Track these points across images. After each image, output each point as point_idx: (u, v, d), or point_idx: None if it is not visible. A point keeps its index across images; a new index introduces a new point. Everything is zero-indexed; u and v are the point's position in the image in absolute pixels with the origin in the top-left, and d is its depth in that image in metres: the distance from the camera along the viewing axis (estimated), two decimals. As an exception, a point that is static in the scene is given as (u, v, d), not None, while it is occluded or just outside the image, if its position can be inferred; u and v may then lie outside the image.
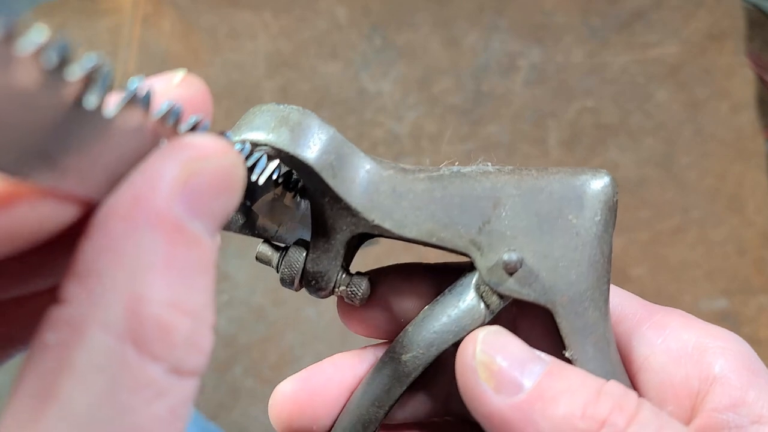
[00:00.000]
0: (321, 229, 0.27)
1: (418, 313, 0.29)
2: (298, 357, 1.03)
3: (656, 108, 1.14)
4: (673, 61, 1.17)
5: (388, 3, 1.25)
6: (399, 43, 1.23)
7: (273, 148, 0.25)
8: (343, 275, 0.28)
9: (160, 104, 0.18)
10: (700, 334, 0.27)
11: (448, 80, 1.19)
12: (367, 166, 0.27)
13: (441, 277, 0.29)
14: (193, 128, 0.19)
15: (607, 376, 0.26)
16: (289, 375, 0.30)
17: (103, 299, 0.16)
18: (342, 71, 1.21)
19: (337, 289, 0.28)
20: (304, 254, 0.28)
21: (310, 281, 0.28)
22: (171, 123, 0.18)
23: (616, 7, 1.21)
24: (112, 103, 0.16)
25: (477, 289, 0.27)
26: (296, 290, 0.29)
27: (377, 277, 0.29)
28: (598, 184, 0.27)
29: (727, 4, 1.18)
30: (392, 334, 0.30)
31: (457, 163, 0.28)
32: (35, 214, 0.17)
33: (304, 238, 0.29)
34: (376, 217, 0.27)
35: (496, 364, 0.24)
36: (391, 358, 0.28)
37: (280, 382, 0.30)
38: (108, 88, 0.16)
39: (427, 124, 1.17)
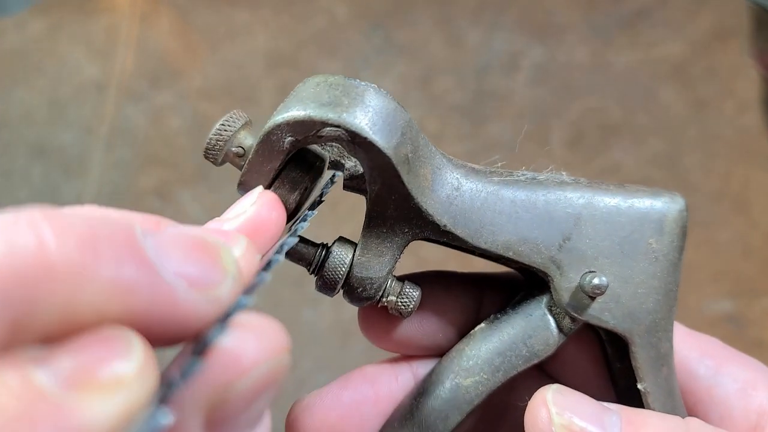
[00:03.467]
0: (377, 229, 0.24)
1: (460, 324, 0.26)
2: (296, 359, 1.02)
3: (660, 108, 1.13)
4: (677, 60, 1.16)
5: (389, 1, 1.24)
6: (400, 41, 1.21)
7: (347, 130, 0.22)
8: (393, 283, 0.25)
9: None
10: (746, 368, 0.27)
11: (450, 79, 1.18)
12: (439, 163, 0.24)
13: (481, 287, 0.27)
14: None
15: (674, 409, 0.25)
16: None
17: None
18: (342, 70, 1.20)
19: (384, 299, 0.25)
20: (350, 256, 0.24)
21: (356, 288, 0.25)
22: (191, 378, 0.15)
23: (620, 6, 1.20)
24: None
25: (549, 309, 0.25)
26: (333, 296, 0.25)
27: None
28: (677, 207, 0.25)
29: (731, 3, 1.17)
30: (426, 351, 0.27)
31: (523, 168, 0.26)
32: None
33: (345, 237, 0.25)
34: (448, 222, 0.24)
35: (577, 426, 0.23)
36: (444, 382, 0.25)
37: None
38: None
39: (429, 123, 1.15)
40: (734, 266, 1.05)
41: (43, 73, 1.27)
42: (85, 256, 0.14)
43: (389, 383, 0.27)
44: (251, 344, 0.15)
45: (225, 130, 0.24)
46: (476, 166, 0.25)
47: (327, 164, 0.25)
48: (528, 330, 0.25)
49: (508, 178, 0.25)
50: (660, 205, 0.25)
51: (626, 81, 1.15)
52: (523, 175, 0.25)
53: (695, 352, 0.27)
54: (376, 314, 0.26)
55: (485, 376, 0.25)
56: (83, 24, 1.30)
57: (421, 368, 0.27)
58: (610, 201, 0.25)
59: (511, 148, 1.13)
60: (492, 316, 0.26)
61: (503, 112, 1.15)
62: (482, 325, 0.26)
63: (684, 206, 0.25)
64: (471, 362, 0.25)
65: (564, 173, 0.26)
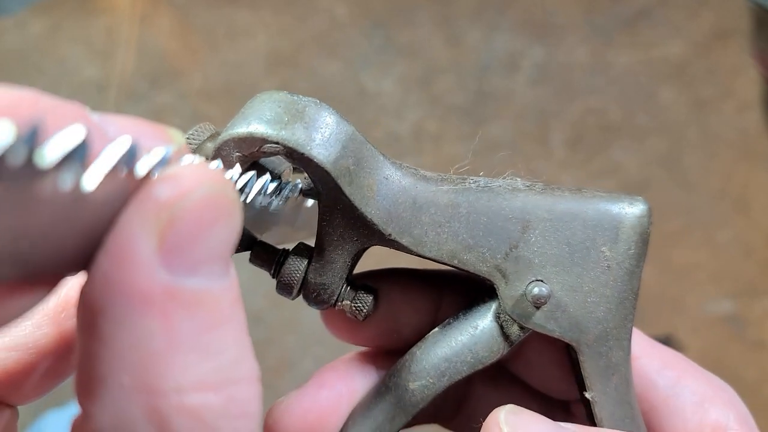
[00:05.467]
0: (328, 237, 0.25)
1: (416, 325, 0.27)
2: (297, 360, 1.02)
3: (661, 108, 1.13)
4: (677, 60, 1.16)
5: (389, 1, 1.24)
6: (400, 41, 1.21)
7: (285, 146, 0.22)
8: (347, 288, 0.26)
9: (144, 158, 0.15)
10: (706, 383, 0.27)
11: (450, 79, 1.18)
12: (387, 173, 0.24)
13: (440, 287, 0.28)
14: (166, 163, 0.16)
15: (625, 420, 0.25)
16: (289, 378, 0.27)
17: (116, 407, 0.14)
18: (342, 70, 1.20)
19: (339, 303, 0.26)
20: (306, 262, 0.25)
21: (311, 293, 0.26)
22: (148, 173, 0.15)
23: (620, 6, 1.20)
24: (92, 173, 0.14)
25: (497, 318, 0.25)
26: (293, 299, 0.26)
27: (372, 284, 0.27)
28: (634, 213, 0.24)
29: (731, 3, 1.17)
30: (386, 344, 0.28)
31: (482, 174, 0.26)
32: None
33: (305, 243, 0.26)
34: (393, 231, 0.24)
35: None
36: (395, 383, 0.26)
37: (279, 385, 0.27)
38: (85, 162, 0.13)
39: (428, 124, 1.15)
40: (734, 266, 1.05)
41: (43, 73, 1.27)
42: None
43: (362, 379, 0.27)
44: (187, 170, 0.15)
45: (190, 143, 0.25)
46: (428, 174, 0.26)
47: (287, 172, 0.26)
48: (474, 337, 0.25)
49: (458, 186, 0.25)
50: (615, 211, 0.25)
51: (626, 81, 1.15)
52: (475, 182, 0.25)
53: (656, 362, 0.27)
54: (337, 313, 0.27)
55: (431, 381, 0.25)
56: (83, 24, 1.30)
57: (386, 364, 0.28)
58: (561, 207, 0.25)
59: (512, 148, 1.13)
60: (447, 320, 0.27)
61: (503, 113, 1.15)
62: (436, 329, 0.27)
63: (644, 212, 0.25)
64: (419, 366, 0.26)
65: (519, 179, 0.26)
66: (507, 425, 0.23)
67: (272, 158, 0.25)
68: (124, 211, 0.15)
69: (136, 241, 0.14)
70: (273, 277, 0.26)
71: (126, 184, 0.15)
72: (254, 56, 1.22)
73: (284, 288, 0.26)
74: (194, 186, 0.15)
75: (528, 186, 0.25)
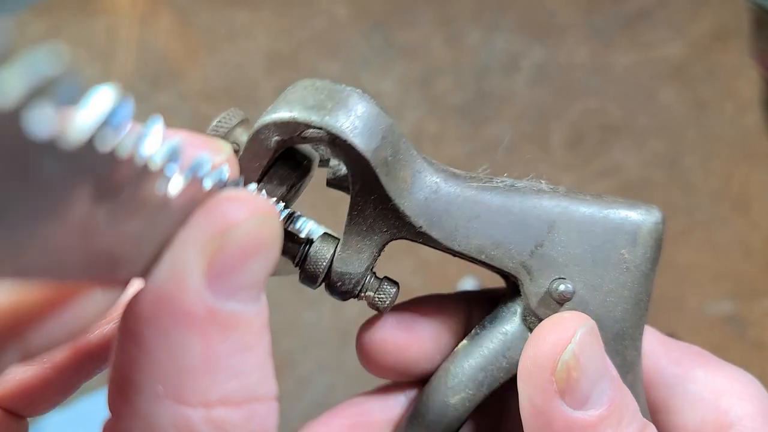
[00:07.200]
0: (358, 227, 0.25)
1: (454, 340, 0.27)
2: (296, 362, 1.02)
3: (661, 108, 1.13)
4: (677, 61, 1.16)
5: (389, 1, 1.24)
6: (399, 42, 1.21)
7: (328, 132, 0.23)
8: (372, 279, 0.26)
9: (207, 170, 0.16)
10: (717, 376, 0.26)
11: (450, 80, 1.18)
12: (420, 167, 0.25)
13: (469, 306, 0.28)
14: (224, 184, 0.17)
15: None
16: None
17: (148, 413, 0.15)
18: (342, 71, 1.20)
19: (362, 294, 0.26)
20: (333, 251, 0.25)
21: (336, 282, 0.26)
22: (209, 187, 0.16)
23: (620, 6, 1.20)
24: (177, 180, 0.15)
25: (523, 319, 0.26)
26: (315, 288, 0.27)
27: (404, 312, 0.27)
28: (652, 219, 0.26)
29: (731, 3, 1.17)
30: (424, 375, 0.28)
31: (505, 175, 0.26)
32: (90, 307, 0.16)
33: (329, 233, 0.26)
34: (424, 224, 0.25)
35: (578, 372, 0.22)
36: (434, 401, 0.26)
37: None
38: (180, 168, 0.14)
39: (428, 124, 1.15)
40: (734, 267, 1.05)
41: (43, 75, 1.26)
42: None
43: (381, 409, 0.28)
44: (243, 198, 0.16)
45: (221, 127, 0.25)
46: (457, 171, 0.26)
47: (316, 163, 0.26)
48: (506, 342, 0.26)
49: (486, 184, 0.26)
50: (635, 217, 0.25)
51: (626, 82, 1.15)
52: (502, 181, 0.26)
53: (664, 360, 0.27)
54: (377, 347, 0.27)
55: (470, 392, 0.26)
56: (83, 25, 1.30)
57: (413, 391, 0.28)
58: (585, 210, 0.25)
59: (511, 149, 1.13)
60: (473, 330, 0.27)
61: (503, 113, 1.15)
62: (464, 341, 0.27)
63: (660, 219, 0.26)
64: (456, 380, 0.26)
65: (543, 181, 0.26)
66: (578, 344, 0.23)
67: (306, 146, 0.25)
68: (184, 227, 0.16)
69: (189, 261, 0.15)
70: (296, 266, 0.26)
71: (193, 196, 0.16)
72: (254, 57, 1.22)
73: (309, 277, 0.26)
74: (246, 217, 0.16)
75: (552, 188, 0.26)
